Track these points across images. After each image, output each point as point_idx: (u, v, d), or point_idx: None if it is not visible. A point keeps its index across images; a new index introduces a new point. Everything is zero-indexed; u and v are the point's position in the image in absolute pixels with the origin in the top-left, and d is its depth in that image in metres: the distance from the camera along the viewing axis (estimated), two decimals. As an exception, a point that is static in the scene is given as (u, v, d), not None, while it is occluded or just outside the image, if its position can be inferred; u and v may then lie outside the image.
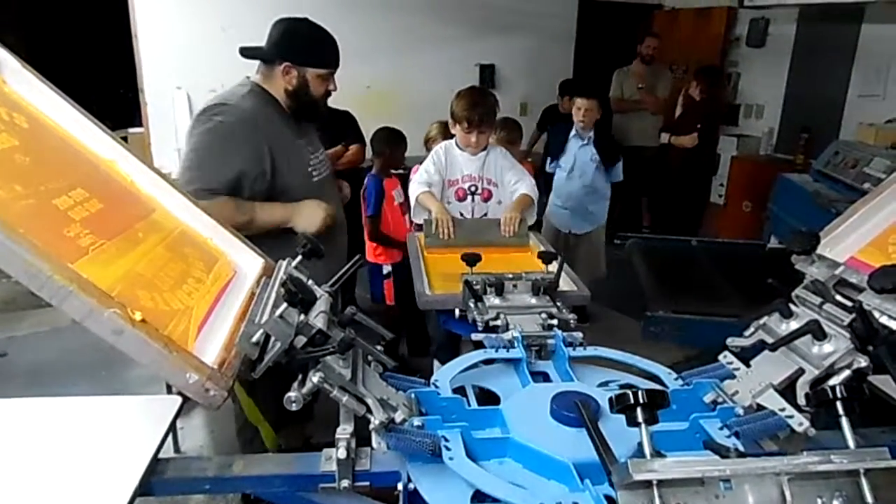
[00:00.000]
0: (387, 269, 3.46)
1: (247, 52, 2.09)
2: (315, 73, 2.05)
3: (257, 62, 2.12)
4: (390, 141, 3.51)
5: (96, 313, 0.89)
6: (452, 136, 2.83)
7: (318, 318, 1.13)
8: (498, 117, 2.98)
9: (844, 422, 0.90)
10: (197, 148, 1.92)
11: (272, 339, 1.07)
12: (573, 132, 3.83)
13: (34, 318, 4.11)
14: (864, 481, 0.80)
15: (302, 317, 1.11)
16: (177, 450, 2.77)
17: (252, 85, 2.06)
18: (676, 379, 1.36)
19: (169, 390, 2.71)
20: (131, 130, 5.33)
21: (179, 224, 1.39)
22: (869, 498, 0.80)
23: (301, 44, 2.04)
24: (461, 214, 2.73)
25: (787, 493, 0.79)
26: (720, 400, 1.24)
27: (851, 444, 0.88)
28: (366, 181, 3.46)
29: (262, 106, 2.01)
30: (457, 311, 1.83)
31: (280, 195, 2.03)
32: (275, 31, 2.06)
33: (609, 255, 4.08)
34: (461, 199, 2.78)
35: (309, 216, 2.04)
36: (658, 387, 1.27)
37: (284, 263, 1.37)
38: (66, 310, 0.88)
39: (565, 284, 1.95)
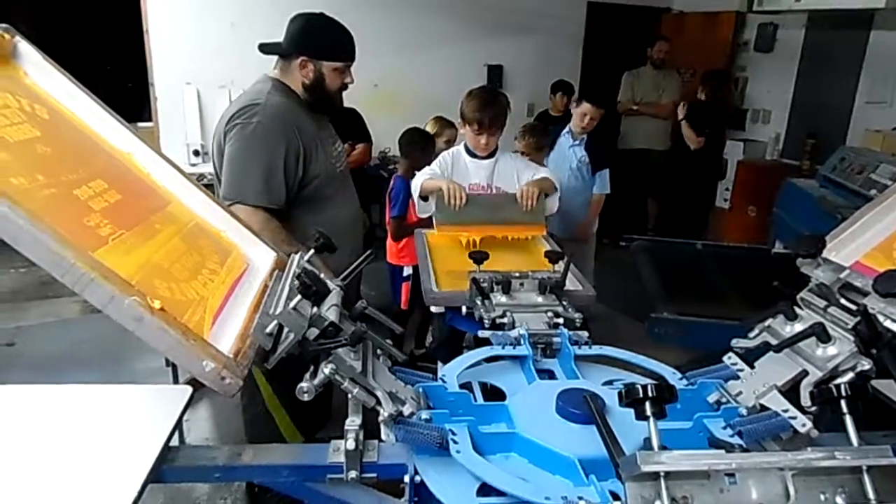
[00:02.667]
0: (408, 271, 3.42)
1: (265, 48, 2.14)
2: (331, 66, 2.09)
3: (269, 59, 2.16)
4: (419, 143, 3.48)
5: (117, 301, 0.91)
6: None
7: (330, 311, 1.15)
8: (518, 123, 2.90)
9: (848, 419, 0.92)
10: (242, 155, 1.97)
11: (285, 330, 1.09)
12: (566, 129, 3.73)
13: (41, 308, 4.15)
14: (866, 478, 0.82)
15: (314, 309, 1.13)
16: (182, 441, 2.80)
17: (273, 81, 2.11)
18: (681, 379, 1.37)
19: (175, 382, 2.76)
20: (140, 125, 5.36)
21: (194, 216, 1.42)
22: (871, 494, 0.81)
23: (317, 38, 2.09)
24: None
25: (791, 489, 0.81)
26: (724, 400, 1.25)
27: (855, 441, 0.89)
28: (392, 182, 3.43)
29: (286, 100, 2.07)
30: (463, 309, 1.85)
31: (309, 185, 2.09)
32: (292, 25, 2.10)
33: (613, 257, 4.07)
34: None
35: None
36: (664, 384, 1.28)
37: (297, 257, 1.39)
38: (88, 297, 0.90)
39: (571, 284, 1.97)
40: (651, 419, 0.85)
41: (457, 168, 2.73)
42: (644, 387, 0.86)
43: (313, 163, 2.08)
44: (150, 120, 4.95)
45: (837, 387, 0.95)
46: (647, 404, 0.84)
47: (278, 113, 2.00)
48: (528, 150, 3.23)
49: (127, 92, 6.46)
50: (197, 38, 4.82)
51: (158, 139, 4.85)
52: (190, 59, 4.83)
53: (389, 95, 5.42)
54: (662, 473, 0.78)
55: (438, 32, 5.66)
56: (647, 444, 0.88)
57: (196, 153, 4.91)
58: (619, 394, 0.90)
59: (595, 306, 2.07)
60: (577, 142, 3.71)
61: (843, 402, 0.92)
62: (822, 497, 0.82)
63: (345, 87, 2.18)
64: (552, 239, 2.52)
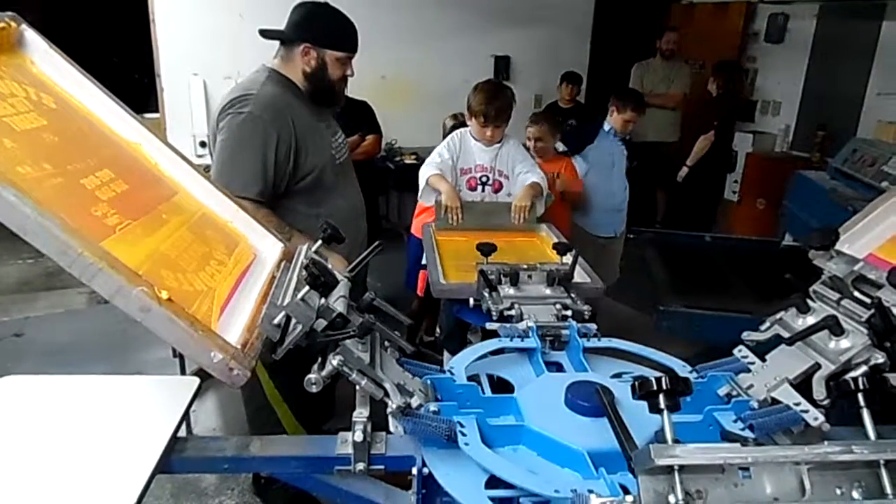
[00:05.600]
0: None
1: (267, 34, 2.12)
2: (334, 55, 2.08)
3: (273, 50, 2.15)
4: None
5: (125, 291, 0.90)
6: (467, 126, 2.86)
7: (338, 303, 1.14)
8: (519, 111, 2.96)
9: (865, 413, 0.90)
10: (231, 146, 1.95)
11: (293, 321, 1.08)
12: (608, 128, 3.55)
13: (49, 299, 4.17)
14: (883, 472, 0.81)
15: (322, 300, 1.12)
16: (189, 432, 2.81)
17: (269, 71, 2.09)
18: (691, 372, 1.36)
19: (182, 373, 2.76)
20: (146, 116, 5.36)
21: (201, 207, 1.41)
22: (888, 489, 0.80)
23: (322, 26, 2.07)
24: None
25: (807, 483, 0.80)
26: (734, 393, 1.24)
27: (872, 434, 0.88)
28: None
29: (281, 91, 2.04)
30: (471, 301, 1.84)
31: (306, 176, 2.07)
32: (295, 13, 2.08)
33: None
34: (472, 189, 2.82)
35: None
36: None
37: (305, 248, 1.38)
38: (96, 287, 0.90)
39: (579, 276, 1.95)
40: (665, 412, 0.84)
41: (464, 149, 2.82)
42: (658, 379, 0.85)
43: (310, 154, 2.05)
44: (156, 111, 4.95)
45: (855, 379, 0.94)
46: (661, 397, 0.83)
47: (270, 103, 1.98)
48: (543, 135, 3.20)
49: (133, 83, 6.46)
50: (204, 29, 4.80)
51: (165, 130, 4.85)
52: (196, 50, 4.82)
53: (396, 87, 5.40)
54: (676, 467, 0.77)
55: (445, 23, 5.62)
56: (658, 438, 0.87)
57: (202, 144, 4.90)
58: (633, 386, 0.89)
59: (603, 299, 2.07)
60: (618, 139, 3.59)
61: (860, 396, 0.91)
62: (839, 491, 0.81)
63: (345, 78, 2.16)
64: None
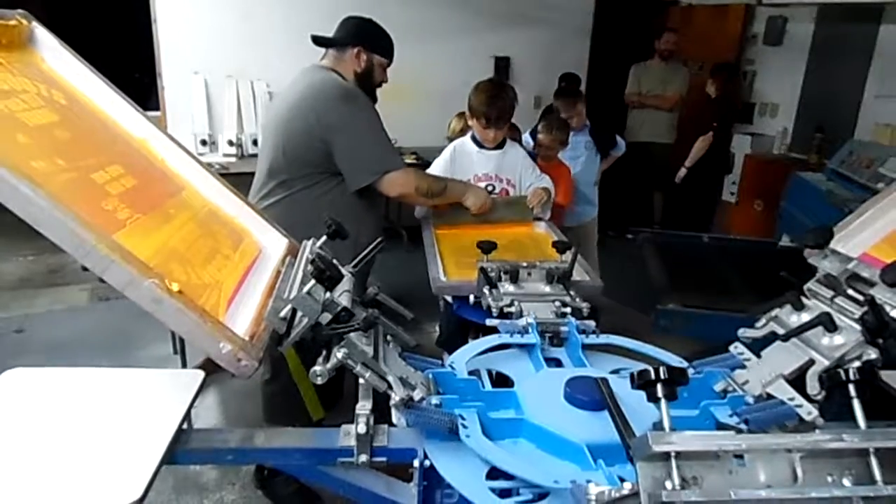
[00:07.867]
0: None
1: (319, 40, 2.39)
2: (380, 61, 2.41)
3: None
4: None
5: (137, 283, 0.92)
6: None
7: (342, 297, 1.16)
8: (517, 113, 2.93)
9: (856, 403, 0.93)
10: (370, 133, 2.24)
11: (299, 314, 1.10)
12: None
13: (50, 296, 4.17)
14: (873, 460, 0.83)
15: (327, 294, 1.14)
16: (190, 427, 2.82)
17: (333, 71, 2.32)
18: (687, 368, 1.38)
19: (184, 368, 2.77)
20: (147, 114, 5.35)
21: (207, 202, 1.43)
22: (878, 476, 0.82)
23: (373, 35, 2.40)
24: None
25: (799, 471, 0.82)
26: (730, 388, 1.26)
27: (862, 424, 0.90)
28: None
29: None
30: (471, 298, 1.86)
31: None
32: (348, 24, 2.39)
33: (619, 250, 4.08)
34: None
35: (478, 196, 2.54)
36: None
37: (309, 243, 1.40)
38: (108, 279, 0.92)
39: (578, 274, 1.97)
40: (662, 401, 0.86)
41: (461, 160, 2.77)
42: (656, 369, 0.87)
43: None
44: (155, 109, 4.95)
45: (846, 371, 0.96)
46: (659, 386, 0.86)
47: (364, 95, 2.30)
48: (553, 145, 3.21)
49: (134, 81, 6.48)
50: (205, 28, 4.81)
51: (166, 128, 4.84)
52: (198, 49, 4.82)
53: (396, 87, 5.33)
54: (673, 454, 0.79)
55: (445, 24, 5.63)
56: (656, 427, 0.89)
57: (203, 143, 4.91)
58: (631, 375, 0.91)
59: (600, 298, 2.09)
60: (580, 131, 3.69)
61: (851, 387, 0.94)
62: (830, 479, 0.83)
63: (381, 83, 2.48)
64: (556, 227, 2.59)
